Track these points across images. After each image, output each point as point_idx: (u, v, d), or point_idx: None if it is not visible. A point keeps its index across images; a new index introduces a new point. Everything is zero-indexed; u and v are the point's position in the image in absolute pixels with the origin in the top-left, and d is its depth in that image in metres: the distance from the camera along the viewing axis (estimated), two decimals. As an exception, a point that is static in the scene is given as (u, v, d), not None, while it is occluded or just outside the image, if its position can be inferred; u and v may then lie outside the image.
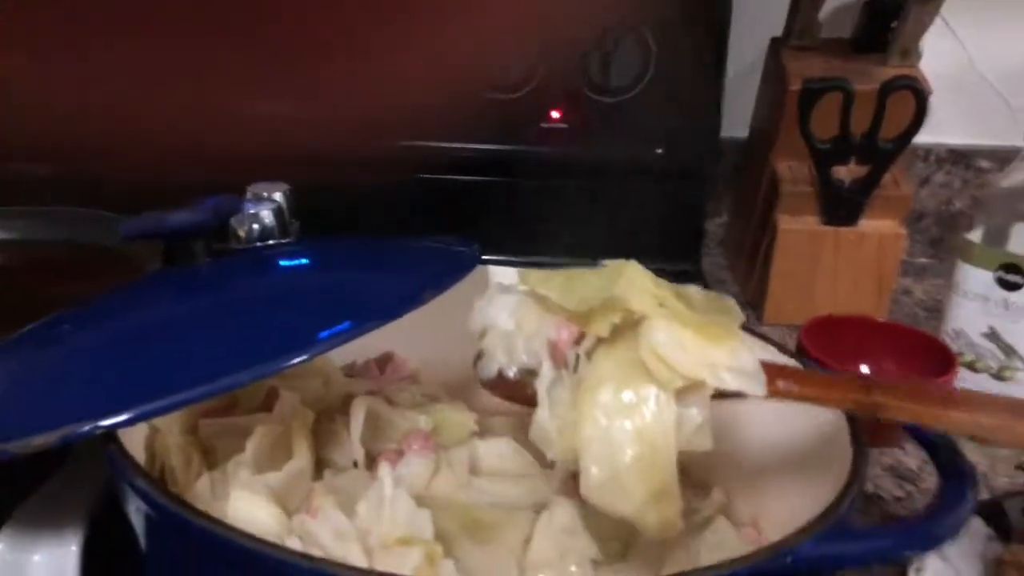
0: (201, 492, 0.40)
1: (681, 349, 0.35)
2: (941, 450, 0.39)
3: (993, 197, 0.61)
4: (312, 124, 0.64)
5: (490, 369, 0.39)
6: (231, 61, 0.55)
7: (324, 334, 0.36)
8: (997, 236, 0.60)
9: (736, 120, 0.83)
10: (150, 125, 0.59)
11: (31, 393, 0.38)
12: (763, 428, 0.44)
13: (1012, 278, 0.59)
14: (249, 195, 0.60)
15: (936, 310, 0.78)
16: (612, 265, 0.38)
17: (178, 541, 0.34)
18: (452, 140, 0.75)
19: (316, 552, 0.35)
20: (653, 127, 0.74)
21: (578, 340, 0.36)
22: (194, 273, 0.43)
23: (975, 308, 0.61)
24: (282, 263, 0.47)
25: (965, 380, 0.62)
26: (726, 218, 0.91)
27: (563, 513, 0.40)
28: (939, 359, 0.59)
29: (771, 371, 0.37)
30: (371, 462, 0.43)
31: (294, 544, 0.36)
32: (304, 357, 0.35)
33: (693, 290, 0.38)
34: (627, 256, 0.38)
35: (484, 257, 0.47)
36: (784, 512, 0.39)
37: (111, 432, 0.35)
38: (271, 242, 0.59)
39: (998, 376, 0.61)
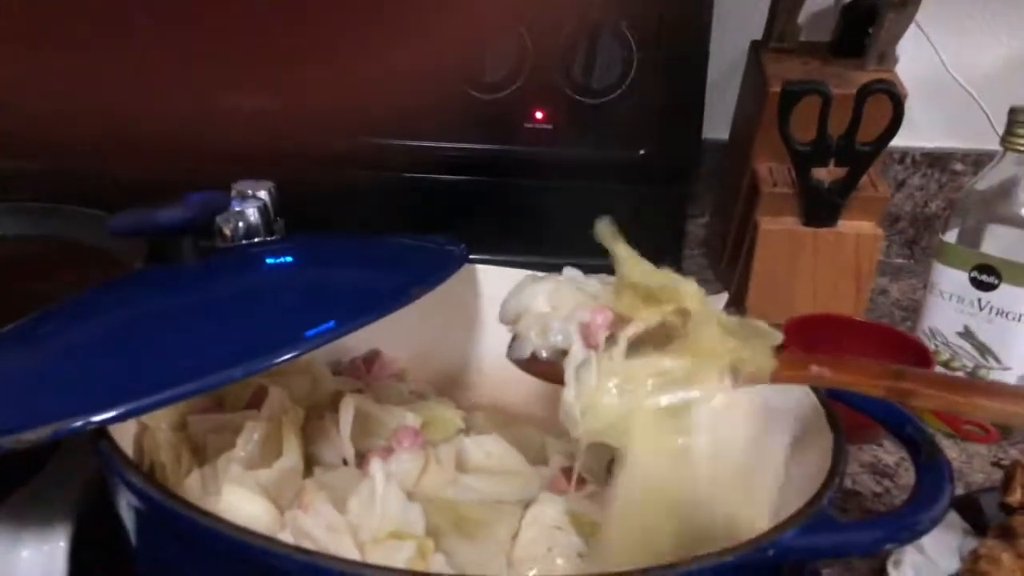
0: (192, 488, 0.40)
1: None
2: (920, 446, 0.40)
3: (968, 199, 0.62)
4: (297, 122, 0.64)
5: (523, 350, 0.40)
6: (217, 58, 0.55)
7: (311, 332, 0.36)
8: (972, 237, 0.61)
9: (717, 122, 0.84)
10: (136, 122, 0.59)
11: (20, 389, 0.37)
12: (744, 424, 0.45)
13: (986, 278, 0.60)
14: (234, 193, 0.60)
15: (912, 310, 0.79)
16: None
17: (171, 536, 0.34)
18: (437, 140, 0.75)
19: (309, 546, 0.36)
20: (635, 128, 0.75)
21: (612, 325, 0.37)
22: (181, 270, 0.43)
23: (950, 308, 0.62)
24: (269, 261, 0.47)
25: (941, 378, 0.63)
26: (707, 219, 0.92)
27: (550, 509, 0.41)
28: (916, 357, 0.61)
29: (805, 358, 0.38)
30: (360, 459, 0.43)
31: (287, 538, 0.36)
32: (293, 354, 0.36)
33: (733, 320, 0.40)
34: (605, 256, 0.39)
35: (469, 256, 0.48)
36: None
37: (102, 428, 0.35)
38: (256, 240, 0.59)
39: (973, 375, 0.62)
